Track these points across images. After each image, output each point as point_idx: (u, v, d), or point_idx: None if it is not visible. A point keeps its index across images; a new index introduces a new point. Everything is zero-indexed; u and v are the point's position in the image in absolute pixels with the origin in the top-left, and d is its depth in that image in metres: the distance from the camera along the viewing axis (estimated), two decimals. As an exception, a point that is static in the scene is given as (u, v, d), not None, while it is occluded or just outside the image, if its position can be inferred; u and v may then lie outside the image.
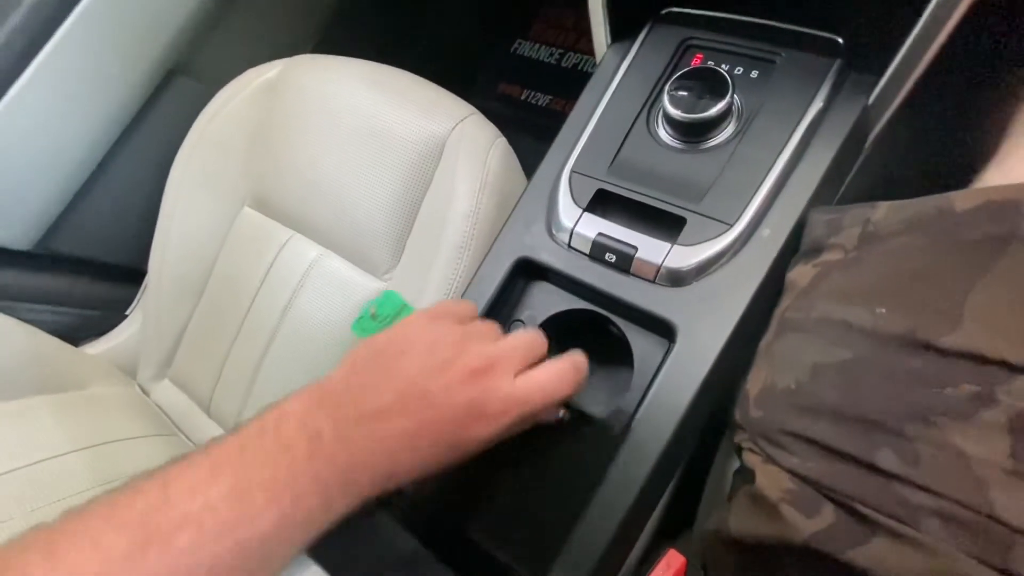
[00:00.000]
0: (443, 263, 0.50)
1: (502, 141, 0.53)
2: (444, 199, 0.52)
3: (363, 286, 0.57)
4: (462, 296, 0.41)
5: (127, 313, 0.77)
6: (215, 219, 0.68)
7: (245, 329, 0.64)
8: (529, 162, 0.48)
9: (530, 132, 0.62)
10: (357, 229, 0.57)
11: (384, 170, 0.55)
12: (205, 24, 0.72)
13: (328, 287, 0.59)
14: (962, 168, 0.30)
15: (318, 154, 0.59)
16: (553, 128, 0.44)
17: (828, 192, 0.36)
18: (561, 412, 0.35)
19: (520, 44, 1.10)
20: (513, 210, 0.43)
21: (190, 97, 0.71)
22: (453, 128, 0.53)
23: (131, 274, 0.76)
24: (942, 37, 0.32)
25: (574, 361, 0.31)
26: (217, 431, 0.66)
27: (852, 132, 0.35)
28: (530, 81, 1.06)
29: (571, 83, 1.01)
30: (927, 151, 0.42)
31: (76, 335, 0.73)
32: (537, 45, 1.08)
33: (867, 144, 0.37)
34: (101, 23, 0.63)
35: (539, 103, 1.05)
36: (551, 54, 1.07)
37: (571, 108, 0.44)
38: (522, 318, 0.41)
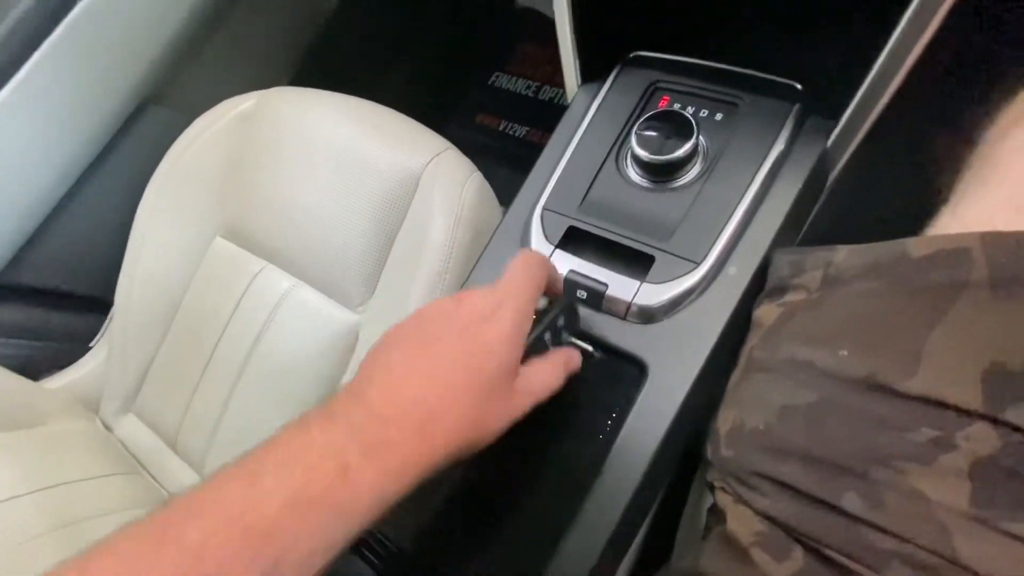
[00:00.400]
0: (418, 296, 0.50)
1: (477, 175, 0.54)
2: (419, 232, 0.52)
3: (336, 318, 0.57)
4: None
5: (91, 345, 0.74)
6: (186, 249, 0.67)
7: (214, 362, 0.62)
8: (506, 192, 0.48)
9: (507, 162, 0.62)
10: (331, 260, 0.57)
11: (359, 203, 0.55)
12: (181, 54, 0.71)
13: (300, 319, 0.58)
14: (919, 210, 0.31)
15: (293, 185, 0.59)
16: (530, 158, 0.44)
17: (791, 232, 0.36)
18: (590, 348, 0.36)
19: (498, 76, 1.12)
20: (486, 247, 0.43)
21: (164, 127, 0.71)
22: (428, 162, 0.53)
23: (96, 304, 0.73)
24: (895, 84, 0.34)
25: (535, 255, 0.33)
26: (184, 468, 0.64)
27: (812, 174, 0.36)
28: (508, 113, 1.08)
29: (547, 115, 1.03)
30: (885, 193, 0.43)
31: (36, 369, 0.70)
32: (514, 78, 1.11)
33: (827, 185, 0.38)
34: (75, 51, 0.62)
35: (516, 134, 1.06)
36: (528, 87, 1.09)
37: (548, 140, 0.44)
38: None
